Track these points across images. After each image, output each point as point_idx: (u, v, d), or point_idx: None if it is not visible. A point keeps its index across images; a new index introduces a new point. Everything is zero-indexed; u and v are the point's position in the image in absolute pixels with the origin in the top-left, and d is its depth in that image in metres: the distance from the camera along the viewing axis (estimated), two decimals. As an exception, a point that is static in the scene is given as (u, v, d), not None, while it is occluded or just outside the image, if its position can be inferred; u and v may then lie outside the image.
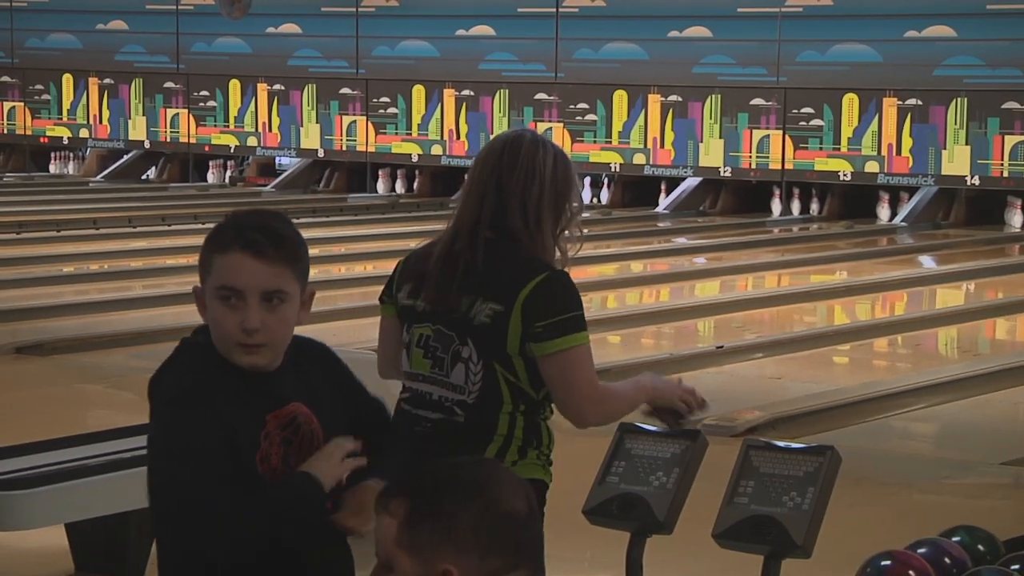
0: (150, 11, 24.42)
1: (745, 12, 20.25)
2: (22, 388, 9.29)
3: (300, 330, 3.04)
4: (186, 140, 24.38)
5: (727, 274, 15.28)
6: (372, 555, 2.31)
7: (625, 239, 17.34)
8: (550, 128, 21.40)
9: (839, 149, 19.88)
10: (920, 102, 19.37)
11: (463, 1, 22.11)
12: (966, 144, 19.17)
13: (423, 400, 3.64)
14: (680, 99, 20.76)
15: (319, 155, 23.36)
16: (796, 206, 20.37)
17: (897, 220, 19.56)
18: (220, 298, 2.90)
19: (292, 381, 3.00)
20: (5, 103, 25.87)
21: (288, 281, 2.93)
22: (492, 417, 3.58)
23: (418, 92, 22.51)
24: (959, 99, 19.11)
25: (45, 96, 25.53)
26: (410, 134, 22.61)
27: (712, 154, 20.61)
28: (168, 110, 24.46)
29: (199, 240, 3.10)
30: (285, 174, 23.53)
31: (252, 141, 23.88)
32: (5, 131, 25.98)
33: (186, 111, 24.32)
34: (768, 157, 20.25)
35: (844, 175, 19.90)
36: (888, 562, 3.75)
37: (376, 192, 22.71)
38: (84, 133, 25.22)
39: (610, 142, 21.14)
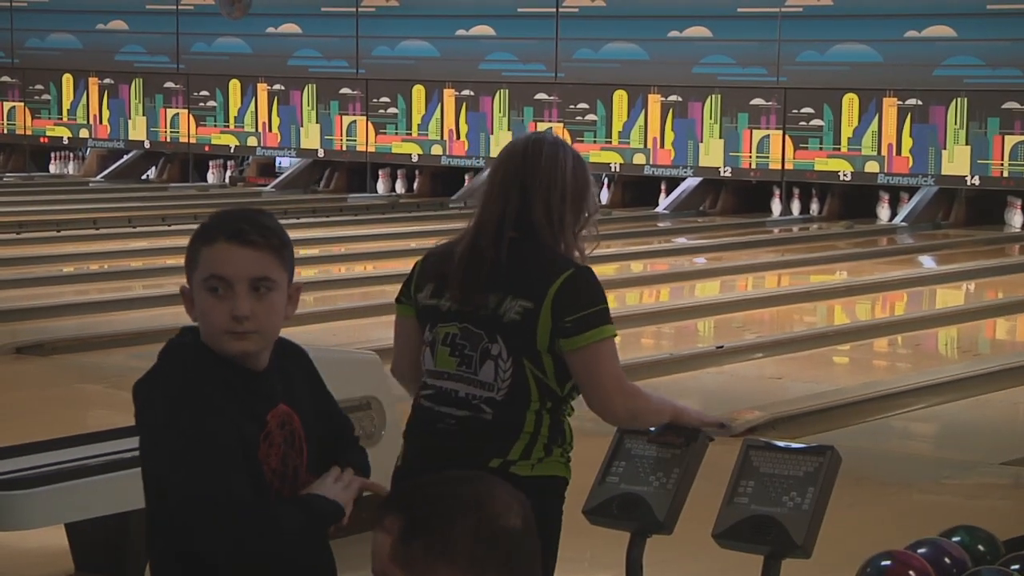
0: (150, 11, 24.42)
1: (745, 12, 20.26)
2: (22, 388, 9.29)
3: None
4: (186, 140, 24.38)
5: (727, 274, 15.28)
6: (367, 560, 2.31)
7: (625, 239, 17.34)
8: (550, 128, 21.39)
9: (839, 149, 19.88)
10: (920, 102, 19.37)
11: (463, 1, 22.11)
12: (966, 144, 19.17)
13: (448, 397, 3.66)
14: (680, 99, 20.76)
15: (319, 155, 23.36)
16: (796, 206, 20.37)
17: (897, 220, 19.56)
18: (208, 289, 2.91)
19: (278, 381, 3.01)
20: (5, 103, 25.87)
21: (274, 269, 2.94)
22: (519, 414, 3.60)
23: (418, 92, 22.51)
24: (959, 99, 19.12)
25: (45, 96, 25.54)
26: (410, 134, 22.61)
27: (712, 154, 20.61)
28: (168, 110, 24.47)
29: (199, 240, 3.10)
30: (285, 174, 23.54)
31: (252, 141, 23.88)
32: (5, 131, 25.98)
33: (186, 111, 24.32)
34: (768, 157, 20.25)
35: (844, 175, 19.90)
36: (888, 562, 3.76)
37: (376, 192, 22.71)
38: (84, 133, 25.23)
39: (610, 142, 21.14)
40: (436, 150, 22.44)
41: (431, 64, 22.36)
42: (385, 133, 22.82)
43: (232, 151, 24.18)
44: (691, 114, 20.72)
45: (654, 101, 20.92)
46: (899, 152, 19.56)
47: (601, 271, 3.81)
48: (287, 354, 3.07)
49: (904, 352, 11.53)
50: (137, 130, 24.74)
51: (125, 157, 24.85)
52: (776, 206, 20.43)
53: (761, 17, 20.09)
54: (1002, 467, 7.61)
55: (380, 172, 22.95)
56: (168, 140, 24.52)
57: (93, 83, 25.03)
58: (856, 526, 6.06)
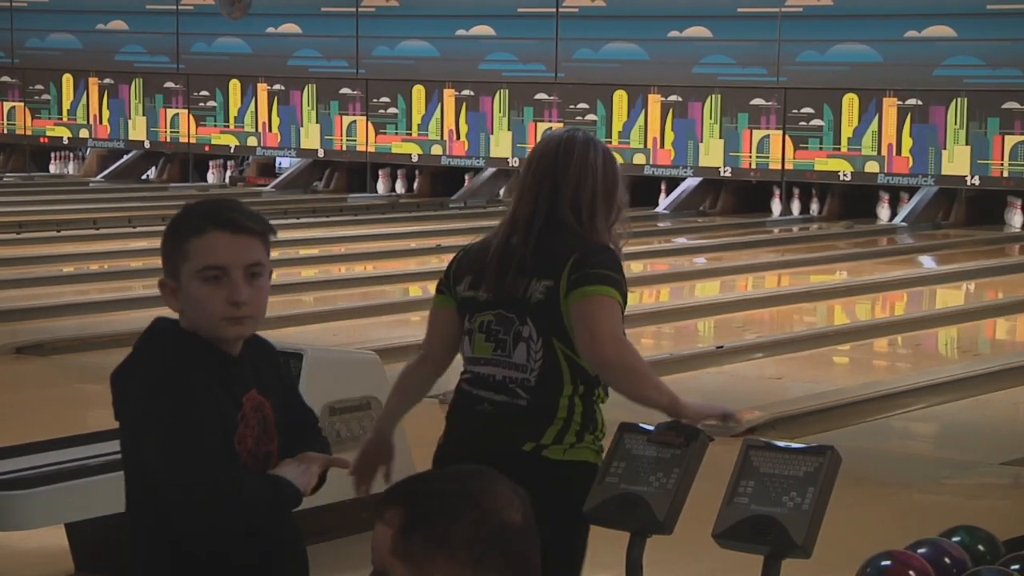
0: (150, 11, 24.42)
1: (745, 12, 20.26)
2: (22, 388, 9.30)
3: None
4: (186, 140, 24.38)
5: (727, 274, 15.28)
6: (367, 560, 2.31)
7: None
8: (550, 128, 21.40)
9: (839, 149, 19.88)
10: (920, 102, 19.37)
11: (463, 1, 22.11)
12: (966, 144, 19.17)
13: (486, 381, 3.81)
14: (680, 99, 20.76)
15: (319, 155, 23.36)
16: (796, 206, 20.37)
17: (897, 220, 19.56)
18: (204, 279, 2.99)
19: (251, 369, 3.10)
20: (5, 103, 25.87)
21: (262, 254, 3.06)
22: (553, 399, 3.73)
23: (418, 92, 22.51)
24: (959, 99, 19.12)
25: (45, 96, 25.54)
26: (410, 134, 22.61)
27: (712, 154, 20.61)
28: (168, 110, 24.47)
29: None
30: (285, 174, 23.54)
31: (252, 141, 23.88)
32: (5, 131, 25.98)
33: (186, 111, 24.33)
34: (768, 157, 20.25)
35: (844, 175, 19.90)
36: (888, 562, 3.75)
37: (376, 192, 22.71)
38: (84, 133, 25.23)
39: (610, 142, 21.12)
40: (436, 150, 22.44)
41: (431, 64, 22.36)
42: (385, 133, 22.82)
43: (232, 151, 24.18)
44: (691, 114, 20.72)
45: (654, 101, 20.92)
46: (899, 152, 19.56)
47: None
48: (256, 345, 3.16)
49: (904, 352, 11.53)
50: (137, 130, 24.74)
51: (125, 157, 24.85)
52: (776, 206, 20.43)
53: (761, 17, 20.09)
54: (1002, 467, 7.61)
55: (380, 172, 22.96)
56: (168, 140, 24.52)
57: (93, 83, 25.03)
58: (856, 526, 6.06)
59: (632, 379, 3.69)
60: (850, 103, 19.75)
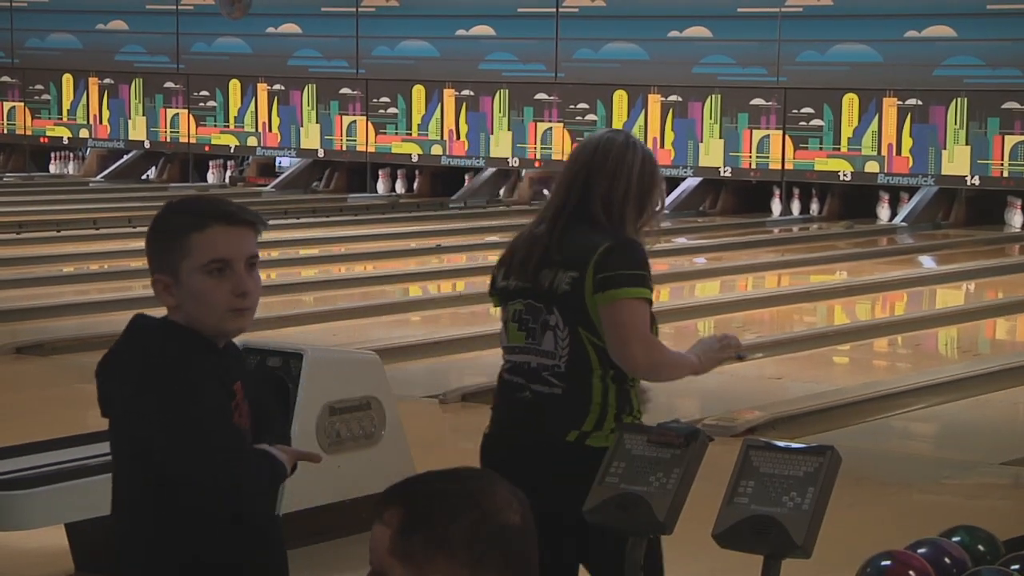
0: (150, 11, 24.42)
1: (745, 12, 20.25)
2: (22, 388, 9.30)
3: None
4: (186, 140, 24.38)
5: (727, 274, 15.28)
6: (367, 560, 2.31)
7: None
8: (550, 128, 21.41)
9: (839, 149, 19.88)
10: (920, 102, 19.37)
11: (463, 1, 22.11)
12: (966, 144, 19.17)
13: (521, 369, 3.95)
14: (680, 99, 20.76)
15: (319, 155, 23.36)
16: (796, 206, 20.37)
17: (897, 220, 19.56)
18: (208, 272, 3.05)
19: (233, 359, 3.18)
20: (5, 103, 25.87)
21: (256, 246, 3.14)
22: (586, 385, 3.87)
23: (418, 92, 22.51)
24: (959, 99, 19.12)
25: (45, 96, 25.53)
26: (410, 134, 22.61)
27: (712, 154, 20.61)
28: (168, 110, 24.47)
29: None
30: (285, 174, 23.54)
31: (252, 141, 23.88)
32: (5, 131, 25.98)
33: (186, 111, 24.32)
34: (768, 157, 20.25)
35: (844, 175, 19.90)
36: (888, 562, 3.75)
37: (376, 192, 22.71)
38: (84, 133, 25.22)
39: (610, 142, 21.11)
40: (436, 150, 22.44)
41: (431, 64, 22.36)
42: (385, 133, 22.82)
43: (232, 151, 24.17)
44: (691, 114, 20.72)
45: (654, 101, 20.92)
46: (899, 152, 19.56)
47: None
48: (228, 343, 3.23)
49: (904, 352, 11.53)
50: (137, 130, 24.74)
51: (125, 157, 24.84)
52: (776, 206, 20.43)
53: (761, 17, 20.09)
54: (1002, 467, 7.61)
55: (380, 172, 22.95)
56: (168, 140, 24.52)
57: (93, 83, 25.03)
58: (856, 526, 6.06)
59: (662, 373, 3.96)
60: (850, 103, 19.75)
